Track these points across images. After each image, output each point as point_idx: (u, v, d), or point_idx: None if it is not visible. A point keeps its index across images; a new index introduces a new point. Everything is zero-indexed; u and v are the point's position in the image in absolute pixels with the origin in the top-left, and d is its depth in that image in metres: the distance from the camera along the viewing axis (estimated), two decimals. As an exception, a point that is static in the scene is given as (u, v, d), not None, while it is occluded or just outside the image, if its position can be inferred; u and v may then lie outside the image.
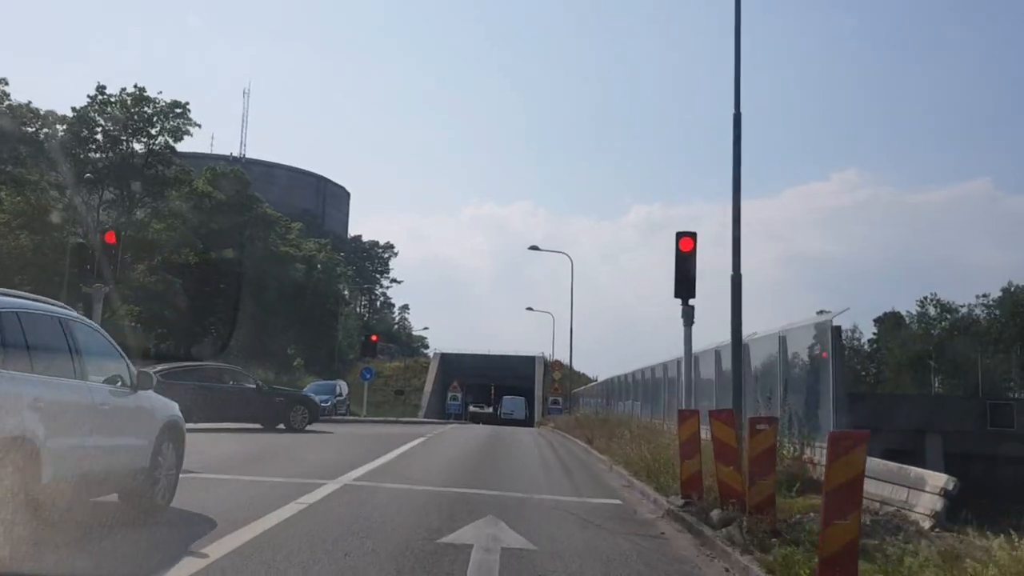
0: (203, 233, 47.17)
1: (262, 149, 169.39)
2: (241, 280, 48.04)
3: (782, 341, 12.83)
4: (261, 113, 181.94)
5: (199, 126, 41.79)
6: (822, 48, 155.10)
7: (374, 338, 44.04)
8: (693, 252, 12.52)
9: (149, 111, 41.05)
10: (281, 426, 22.10)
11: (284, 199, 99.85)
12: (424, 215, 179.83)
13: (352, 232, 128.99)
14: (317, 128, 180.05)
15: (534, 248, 45.05)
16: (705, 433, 10.18)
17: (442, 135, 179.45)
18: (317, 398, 40.13)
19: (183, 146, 43.65)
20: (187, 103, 41.49)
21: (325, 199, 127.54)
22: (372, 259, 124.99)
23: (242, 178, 51.14)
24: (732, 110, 12.20)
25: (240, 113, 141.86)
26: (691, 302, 12.55)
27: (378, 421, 35.74)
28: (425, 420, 48.47)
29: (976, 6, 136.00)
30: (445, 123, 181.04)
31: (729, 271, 11.74)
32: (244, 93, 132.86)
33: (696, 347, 21.32)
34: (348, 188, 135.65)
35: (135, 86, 41.19)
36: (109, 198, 41.83)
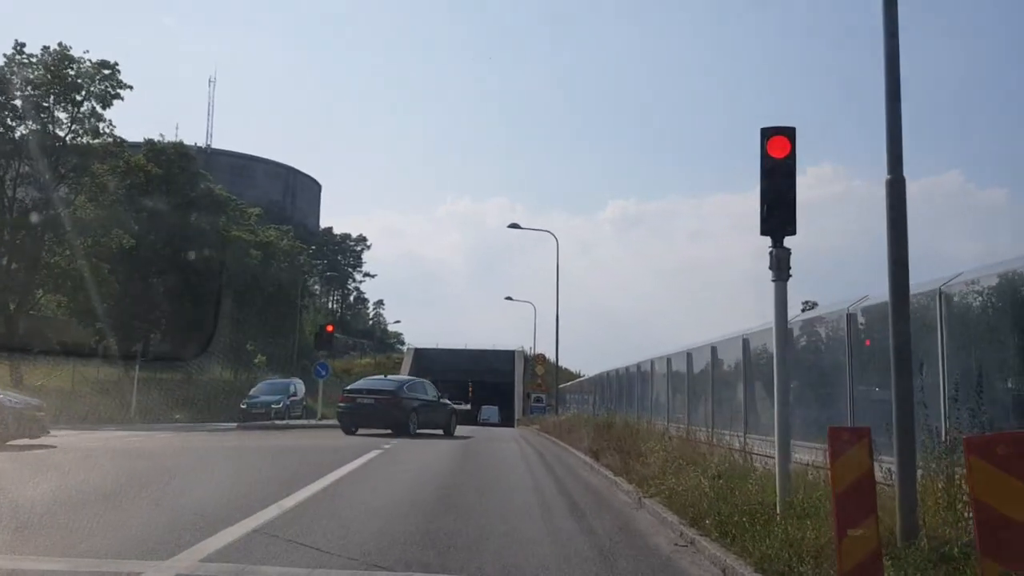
0: (141, 215, 41.77)
1: (232, 141, 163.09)
2: (188, 268, 42.66)
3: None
4: (231, 104, 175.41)
5: (130, 88, 36.30)
6: (794, 44, 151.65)
7: (330, 328, 38.69)
8: (791, 159, 7.61)
9: (73, 72, 35.53)
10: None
11: (252, 190, 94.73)
12: (400, 211, 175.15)
13: (324, 226, 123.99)
14: (289, 121, 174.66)
15: (514, 226, 40.13)
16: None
17: (417, 131, 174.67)
18: (264, 398, 35.54)
19: (136, 135, 38.52)
20: (116, 63, 36.06)
21: (295, 191, 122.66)
22: (344, 252, 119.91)
23: (186, 153, 45.55)
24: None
25: (206, 103, 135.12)
26: (788, 242, 7.66)
27: (334, 426, 30.55)
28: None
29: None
30: (420, 119, 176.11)
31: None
32: (210, 82, 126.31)
33: (667, 350, 16.40)
34: (321, 182, 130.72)
35: (59, 44, 35.72)
36: (26, 171, 36.31)
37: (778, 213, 7.55)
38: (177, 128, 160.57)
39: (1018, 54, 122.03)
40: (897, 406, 6.19)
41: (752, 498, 7.90)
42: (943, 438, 7.55)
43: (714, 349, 15.14)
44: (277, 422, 31.22)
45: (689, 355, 16.99)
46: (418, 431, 23.81)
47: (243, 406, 34.24)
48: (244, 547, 6.49)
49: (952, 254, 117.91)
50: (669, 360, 18.88)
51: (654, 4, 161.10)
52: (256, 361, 57.98)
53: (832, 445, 5.35)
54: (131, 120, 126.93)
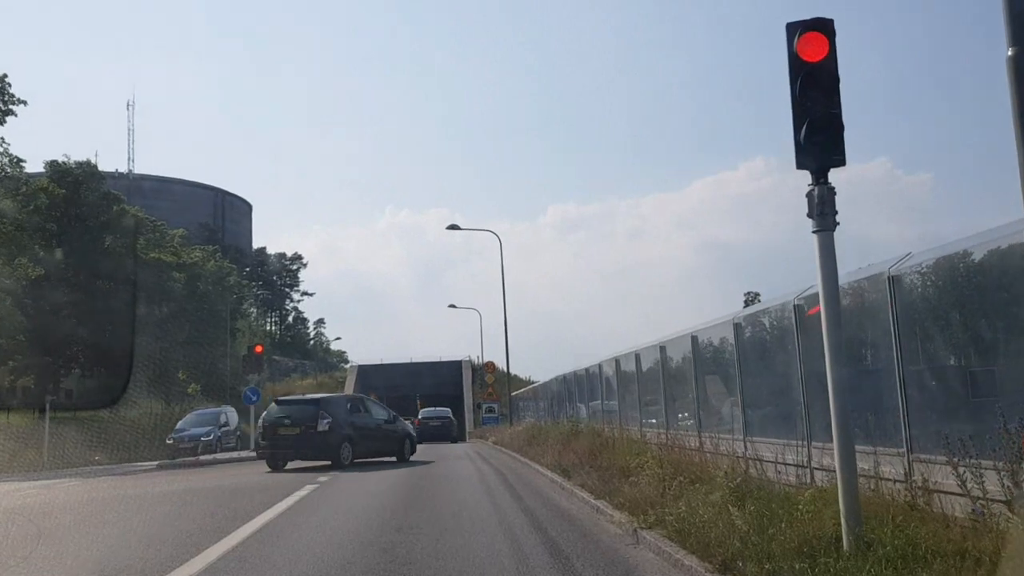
0: (48, 242, 38.43)
1: (156, 165, 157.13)
2: (103, 296, 39.41)
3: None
4: (153, 128, 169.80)
5: (24, 103, 33.15)
6: (728, 41, 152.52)
7: (258, 349, 35.72)
8: (831, 61, 5.53)
9: (-45, 88, 32.31)
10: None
11: (179, 214, 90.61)
12: (337, 227, 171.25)
13: (258, 246, 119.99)
14: (218, 143, 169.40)
15: (454, 227, 37.75)
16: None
17: (350, 145, 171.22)
18: (192, 431, 32.54)
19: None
20: (5, 75, 32.93)
21: (225, 212, 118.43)
22: (280, 272, 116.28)
23: (95, 173, 42.12)
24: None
25: (126, 127, 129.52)
26: (832, 177, 5.58)
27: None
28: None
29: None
30: (353, 133, 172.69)
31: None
32: (128, 106, 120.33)
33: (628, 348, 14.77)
34: (252, 202, 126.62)
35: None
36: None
37: (818, 137, 5.47)
38: (96, 155, 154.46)
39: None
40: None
41: (802, 529, 5.79)
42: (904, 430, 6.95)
43: (694, 338, 13.11)
44: (203, 458, 28.30)
45: (662, 348, 14.94)
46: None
47: (169, 441, 31.42)
48: None
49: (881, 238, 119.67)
50: (638, 356, 16.84)
51: (592, 5, 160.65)
52: (189, 390, 54.62)
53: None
54: (49, 154, 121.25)
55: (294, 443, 19.57)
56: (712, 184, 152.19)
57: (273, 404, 21.62)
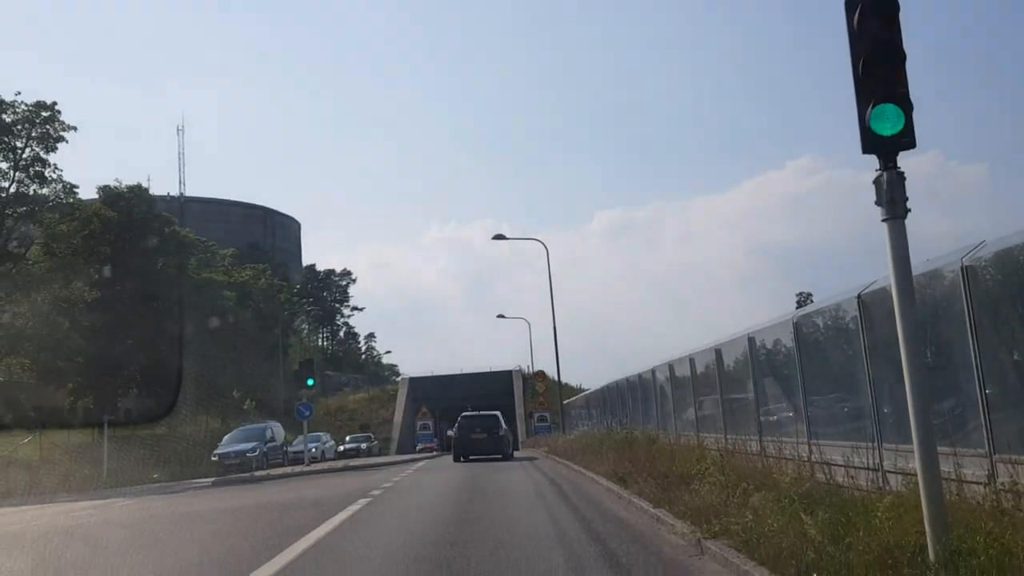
0: (103, 266, 39.05)
1: (204, 188, 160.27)
2: (157, 317, 39.95)
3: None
4: (202, 152, 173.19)
5: (75, 129, 33.80)
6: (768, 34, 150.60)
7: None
8: (896, 36, 5.17)
9: (9, 119, 32.98)
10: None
11: (230, 234, 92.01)
12: (385, 243, 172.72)
13: (307, 263, 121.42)
14: (265, 164, 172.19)
15: (500, 237, 37.49)
16: None
17: (396, 160, 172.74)
18: (238, 447, 32.62)
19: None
20: (55, 103, 33.55)
21: (274, 231, 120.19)
22: (330, 288, 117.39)
23: (146, 196, 42.78)
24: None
25: (176, 152, 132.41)
26: (901, 161, 5.22)
27: (316, 472, 27.75)
28: (393, 459, 40.59)
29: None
30: (398, 148, 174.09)
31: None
32: (178, 130, 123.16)
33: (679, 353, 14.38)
34: (300, 220, 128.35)
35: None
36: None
37: (885, 119, 5.10)
38: (148, 179, 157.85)
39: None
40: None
41: (882, 538, 5.40)
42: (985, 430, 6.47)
43: (751, 340, 12.69)
44: (257, 473, 28.29)
45: (718, 351, 14.52)
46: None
47: (214, 458, 31.32)
48: None
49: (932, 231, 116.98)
50: (692, 360, 16.41)
51: (628, 10, 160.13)
52: (245, 406, 55.15)
53: None
54: (102, 179, 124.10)
55: (482, 444, 27.92)
56: (759, 184, 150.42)
57: (462, 417, 29.53)
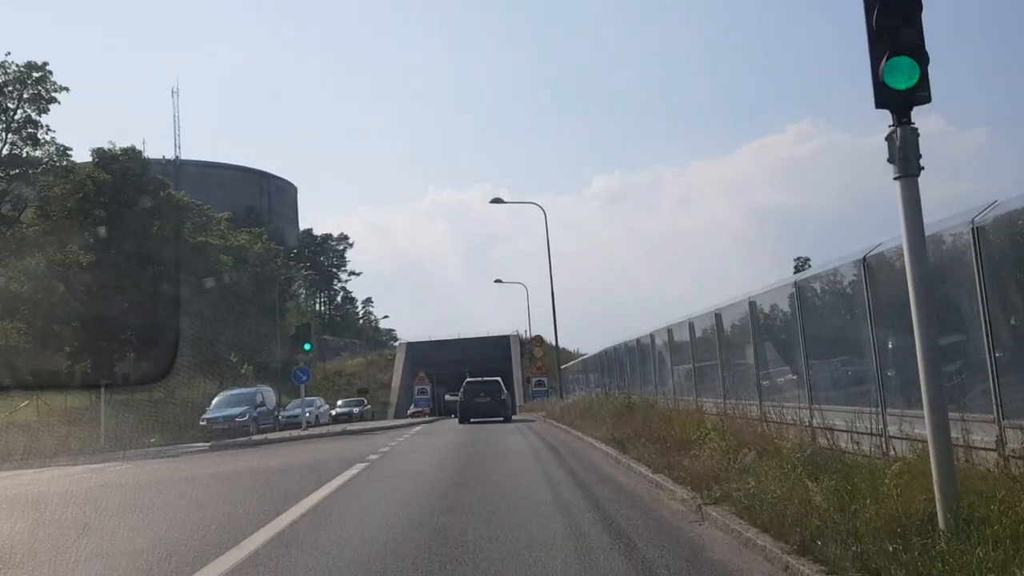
0: (97, 228, 38.74)
1: (201, 151, 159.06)
2: (153, 280, 39.72)
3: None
4: (197, 115, 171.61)
5: (67, 90, 33.33)
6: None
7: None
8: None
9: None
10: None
11: (225, 198, 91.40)
12: (382, 207, 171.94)
13: (304, 228, 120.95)
14: (261, 127, 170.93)
15: (498, 201, 37.20)
16: None
17: (393, 124, 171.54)
18: (226, 412, 31.26)
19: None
20: (46, 63, 33.07)
21: (270, 195, 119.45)
22: (327, 253, 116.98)
23: (140, 159, 42.31)
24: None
25: (171, 115, 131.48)
26: (916, 116, 5.01)
27: (314, 437, 27.64)
28: (392, 423, 40.67)
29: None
30: (395, 111, 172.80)
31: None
32: (173, 93, 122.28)
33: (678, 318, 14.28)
34: (297, 184, 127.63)
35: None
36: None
37: (900, 71, 4.89)
38: (143, 142, 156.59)
39: None
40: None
41: (890, 506, 5.28)
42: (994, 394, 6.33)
43: (752, 304, 12.53)
44: (254, 438, 28.09)
45: (718, 315, 14.37)
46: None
47: (202, 422, 30.63)
48: None
49: (932, 195, 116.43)
50: (691, 324, 16.27)
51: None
52: (243, 371, 55.07)
53: None
54: (97, 142, 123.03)
55: (485, 407, 30.38)
56: (758, 148, 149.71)
57: (467, 383, 32.34)
